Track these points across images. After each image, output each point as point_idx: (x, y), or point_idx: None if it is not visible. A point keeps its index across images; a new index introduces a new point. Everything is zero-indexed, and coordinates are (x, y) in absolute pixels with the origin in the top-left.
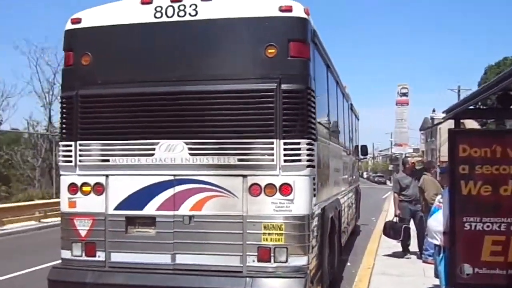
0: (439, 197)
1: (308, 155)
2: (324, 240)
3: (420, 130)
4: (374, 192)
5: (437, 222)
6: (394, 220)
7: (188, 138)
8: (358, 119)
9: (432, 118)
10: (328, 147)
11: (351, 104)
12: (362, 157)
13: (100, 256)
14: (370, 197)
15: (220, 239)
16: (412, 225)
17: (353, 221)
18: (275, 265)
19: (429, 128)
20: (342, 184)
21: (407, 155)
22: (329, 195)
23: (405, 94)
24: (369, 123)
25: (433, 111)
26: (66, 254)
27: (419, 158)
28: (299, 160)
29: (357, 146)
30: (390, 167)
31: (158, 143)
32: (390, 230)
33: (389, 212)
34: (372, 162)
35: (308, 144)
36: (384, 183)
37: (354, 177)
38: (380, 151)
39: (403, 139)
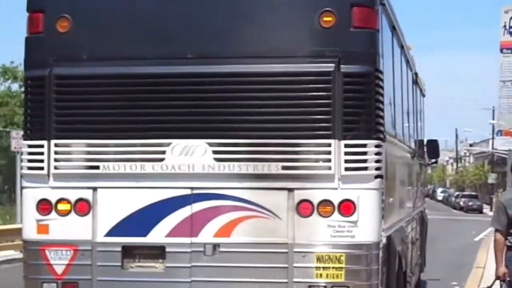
0: None
1: (376, 161)
2: (390, 282)
3: None
4: (457, 228)
5: None
6: (496, 287)
7: (212, 137)
8: (424, 95)
9: None
10: (394, 148)
11: (416, 74)
12: (430, 161)
13: None
14: (450, 239)
15: (256, 276)
16: None
17: (417, 269)
18: None
19: None
20: (406, 206)
21: None
22: (394, 220)
23: None
24: (447, 88)
25: None
26: None
27: None
28: (366, 168)
29: (421, 143)
30: (492, 179)
31: (169, 144)
32: None
33: (488, 270)
34: (453, 167)
35: (376, 146)
36: (479, 210)
37: (418, 195)
38: (471, 145)
39: None
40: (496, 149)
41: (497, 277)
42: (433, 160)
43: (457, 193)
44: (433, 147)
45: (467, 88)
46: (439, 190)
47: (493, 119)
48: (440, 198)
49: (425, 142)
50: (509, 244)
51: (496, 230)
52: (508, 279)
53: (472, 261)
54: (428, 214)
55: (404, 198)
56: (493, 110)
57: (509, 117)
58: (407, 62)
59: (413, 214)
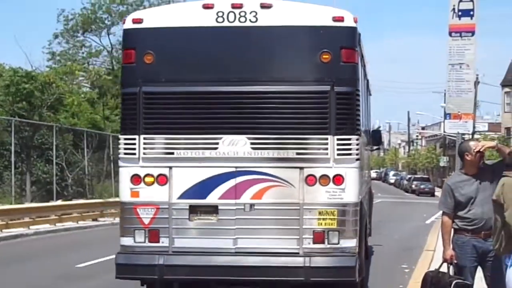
0: None
1: (356, 149)
2: (362, 229)
3: (503, 85)
4: (409, 211)
5: None
6: (443, 269)
7: (250, 133)
8: (371, 95)
9: None
10: (363, 140)
11: (367, 80)
12: (374, 147)
13: (164, 242)
14: (401, 221)
15: (279, 225)
16: (480, 280)
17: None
18: (328, 246)
19: None
20: (365, 181)
21: (472, 137)
22: (362, 189)
23: (467, 13)
24: (401, 71)
25: None
26: (127, 241)
27: (492, 144)
28: (350, 154)
29: (368, 132)
30: (443, 162)
31: (221, 138)
32: None
33: (438, 253)
34: (405, 150)
35: (356, 139)
36: (431, 193)
37: (368, 174)
38: (423, 128)
39: (464, 105)
40: (447, 133)
41: (445, 260)
42: (377, 146)
43: (409, 176)
44: (376, 136)
45: (421, 71)
46: (391, 173)
47: (445, 102)
48: (392, 181)
49: (370, 132)
50: (456, 227)
51: (444, 213)
52: (455, 261)
53: (423, 243)
54: (380, 197)
55: (365, 175)
56: (444, 94)
57: (457, 100)
58: (365, 74)
59: (367, 187)
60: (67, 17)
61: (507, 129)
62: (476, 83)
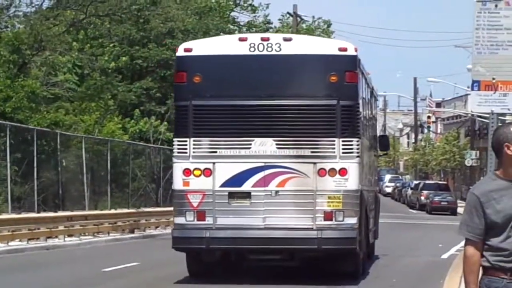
0: None
1: (357, 149)
2: (362, 211)
3: None
4: (415, 240)
5: None
6: None
7: (275, 136)
8: (376, 100)
9: None
10: (364, 143)
11: (372, 88)
12: (381, 152)
13: (209, 220)
14: (404, 256)
15: (297, 206)
16: None
17: (371, 234)
18: (335, 223)
19: None
20: (368, 178)
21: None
22: (363, 183)
23: None
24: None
25: None
26: (180, 220)
27: None
28: (352, 152)
29: (375, 137)
30: (471, 159)
31: (253, 140)
32: None
33: None
34: (410, 141)
35: (357, 141)
36: (452, 210)
37: (373, 177)
38: (439, 105)
39: (502, 68)
40: (474, 113)
41: None
42: (384, 152)
43: (416, 182)
44: (384, 141)
45: (439, 15)
46: (387, 177)
47: (470, 64)
48: (388, 190)
49: (377, 137)
50: (486, 264)
51: (468, 241)
52: None
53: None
54: None
55: (367, 173)
56: (471, 54)
57: (491, 60)
58: (367, 84)
59: (371, 188)
60: None
61: None
62: None
